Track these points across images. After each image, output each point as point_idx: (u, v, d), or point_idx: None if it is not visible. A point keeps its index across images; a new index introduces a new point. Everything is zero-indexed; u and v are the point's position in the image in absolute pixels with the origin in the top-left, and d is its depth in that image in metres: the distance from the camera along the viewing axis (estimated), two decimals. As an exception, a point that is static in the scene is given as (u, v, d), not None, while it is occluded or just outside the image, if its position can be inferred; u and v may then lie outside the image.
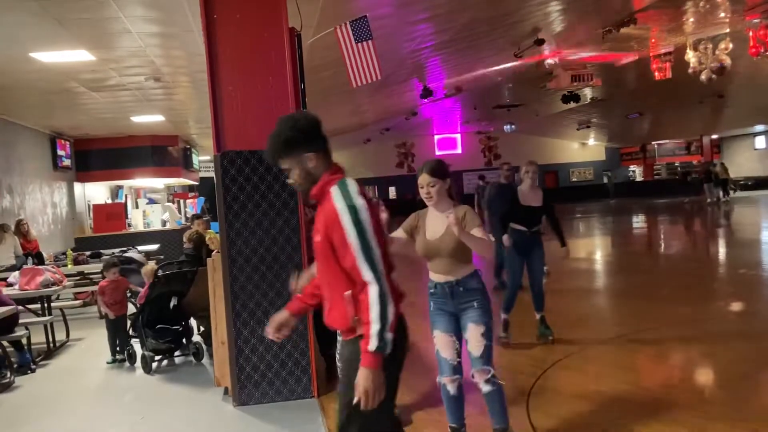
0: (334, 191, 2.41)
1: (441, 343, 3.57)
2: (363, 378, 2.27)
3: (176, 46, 7.60)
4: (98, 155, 14.84)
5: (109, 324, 6.63)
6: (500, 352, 6.10)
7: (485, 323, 3.47)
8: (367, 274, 2.31)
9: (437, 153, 36.77)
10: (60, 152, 13.54)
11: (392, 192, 36.10)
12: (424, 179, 3.48)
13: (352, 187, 2.43)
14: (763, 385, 4.78)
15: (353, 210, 2.34)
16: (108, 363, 6.50)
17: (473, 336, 3.47)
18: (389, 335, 2.29)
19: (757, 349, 5.51)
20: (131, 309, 6.87)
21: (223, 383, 5.11)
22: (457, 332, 3.54)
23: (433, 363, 5.59)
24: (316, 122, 2.58)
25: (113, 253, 10.45)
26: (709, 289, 8.64)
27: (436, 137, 36.78)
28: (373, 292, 2.30)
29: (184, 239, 7.04)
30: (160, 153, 15.59)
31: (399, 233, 3.65)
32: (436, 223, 3.52)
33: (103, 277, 6.98)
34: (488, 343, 3.49)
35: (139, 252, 10.99)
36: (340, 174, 2.51)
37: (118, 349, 6.57)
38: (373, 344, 2.27)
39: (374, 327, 2.28)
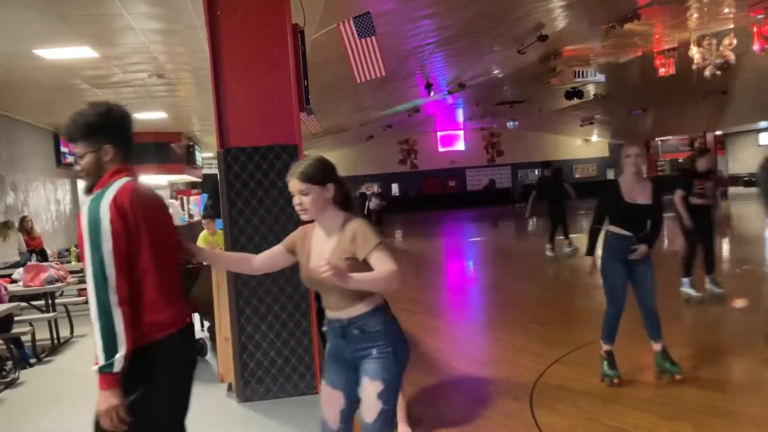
0: (90, 199, 2.28)
1: (324, 398, 2.79)
2: (97, 400, 2.24)
3: (179, 43, 7.60)
4: (102, 152, 14.81)
5: None
6: (503, 347, 6.12)
7: (384, 380, 2.59)
8: (91, 297, 2.20)
9: (440, 150, 36.78)
10: (63, 149, 13.56)
11: (395, 189, 36.10)
12: (293, 186, 2.69)
13: (106, 202, 2.23)
14: (767, 382, 4.77)
15: (93, 228, 2.19)
16: None
17: (366, 396, 2.62)
18: (120, 355, 2.18)
19: (762, 345, 5.50)
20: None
21: (227, 379, 5.13)
22: (352, 387, 2.70)
23: (435, 358, 5.61)
24: (127, 117, 2.52)
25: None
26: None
27: (439, 134, 36.74)
28: (93, 314, 2.20)
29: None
30: (163, 150, 15.60)
31: (275, 248, 2.96)
32: (322, 245, 2.70)
33: None
34: (386, 407, 2.61)
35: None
36: (120, 176, 2.38)
37: None
38: (99, 363, 2.20)
39: (98, 345, 2.20)
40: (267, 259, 2.94)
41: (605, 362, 4.77)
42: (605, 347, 4.80)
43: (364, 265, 2.50)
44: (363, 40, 6.28)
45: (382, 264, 2.49)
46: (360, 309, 2.62)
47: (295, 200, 2.70)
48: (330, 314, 2.72)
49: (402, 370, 2.70)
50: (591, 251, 4.71)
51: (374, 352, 2.62)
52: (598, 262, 4.71)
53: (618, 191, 4.56)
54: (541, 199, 11.83)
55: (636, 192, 4.53)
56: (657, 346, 4.78)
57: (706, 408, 4.12)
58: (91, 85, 9.30)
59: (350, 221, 2.64)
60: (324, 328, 4.44)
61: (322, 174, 2.66)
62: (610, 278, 4.70)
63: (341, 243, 2.59)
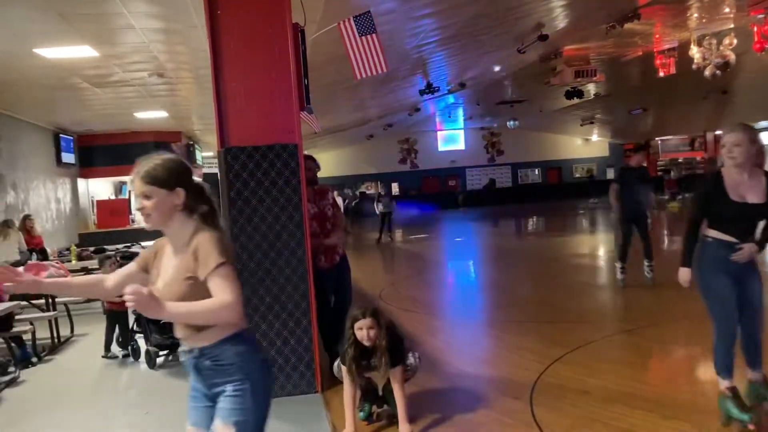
0: None
1: None
2: None
3: (180, 42, 7.60)
4: (101, 151, 14.85)
5: (110, 318, 6.65)
6: (503, 346, 6.12)
7: (237, 423, 2.23)
8: None
9: (440, 149, 36.78)
10: (63, 148, 13.56)
11: (395, 188, 36.10)
12: (136, 187, 2.32)
13: None
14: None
15: None
16: (102, 357, 6.52)
17: None
18: None
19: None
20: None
21: (227, 378, 5.12)
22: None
23: (436, 358, 5.61)
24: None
25: (117, 248, 10.47)
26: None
27: (439, 133, 36.75)
28: None
29: None
30: (163, 149, 15.52)
31: (129, 266, 2.53)
32: (169, 262, 2.36)
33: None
34: None
35: (143, 248, 11.00)
36: None
37: (119, 341, 6.59)
38: None
39: None
40: (120, 282, 2.46)
41: (729, 402, 3.77)
42: (725, 383, 3.80)
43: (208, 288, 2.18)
44: (363, 37, 6.28)
45: (218, 290, 2.13)
46: (209, 338, 2.25)
47: (137, 204, 2.34)
48: (183, 344, 2.36)
49: (264, 408, 2.32)
50: (688, 261, 3.82)
51: (229, 388, 2.26)
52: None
53: (721, 186, 3.66)
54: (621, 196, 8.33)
55: (744, 188, 3.65)
56: (752, 375, 3.93)
57: (707, 409, 4.11)
58: (92, 84, 9.30)
59: (198, 234, 2.26)
60: (336, 348, 4.31)
61: (169, 176, 2.29)
62: (714, 293, 3.75)
63: (184, 260, 2.25)
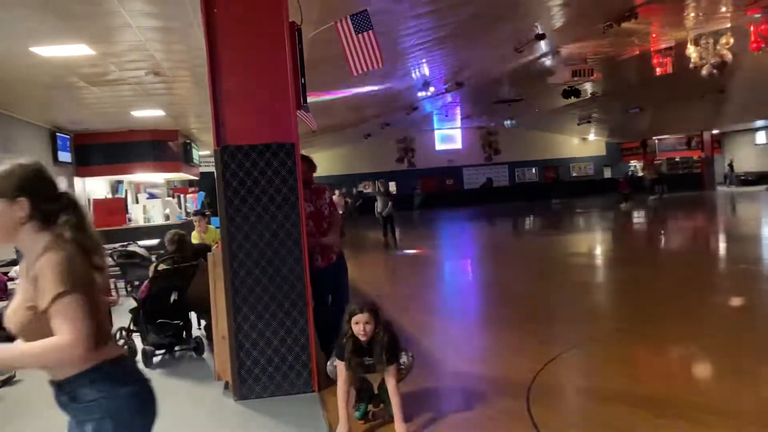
0: None
1: None
2: None
3: (176, 41, 7.58)
4: (98, 150, 14.81)
5: None
6: (500, 345, 6.13)
7: None
8: None
9: (437, 148, 36.78)
10: (60, 146, 13.53)
11: (393, 187, 36.07)
12: None
13: None
14: (761, 378, 4.79)
15: None
16: None
17: None
18: None
19: (756, 342, 5.52)
20: (131, 303, 6.87)
21: (224, 377, 5.13)
22: None
23: (432, 356, 5.62)
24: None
25: (114, 247, 10.45)
26: (707, 282, 8.65)
27: (437, 132, 36.75)
28: None
29: (166, 242, 6.92)
30: (160, 148, 15.58)
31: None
32: (21, 284, 2.03)
33: None
34: None
35: (140, 247, 10.98)
36: None
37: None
38: None
39: None
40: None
41: None
42: None
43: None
44: (360, 35, 6.28)
45: (55, 327, 1.81)
46: (62, 372, 1.94)
47: None
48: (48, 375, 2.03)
49: None
50: None
51: (89, 428, 1.96)
52: None
53: None
54: None
55: None
56: None
57: (702, 406, 4.13)
58: (88, 82, 9.28)
59: (45, 254, 1.89)
60: (332, 347, 4.28)
61: (7, 184, 1.95)
62: None
63: (27, 284, 1.93)
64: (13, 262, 8.84)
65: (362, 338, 3.90)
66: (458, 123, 34.98)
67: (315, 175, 5.75)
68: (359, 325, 3.88)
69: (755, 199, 24.66)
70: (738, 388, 4.52)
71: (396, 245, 15.58)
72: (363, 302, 4.01)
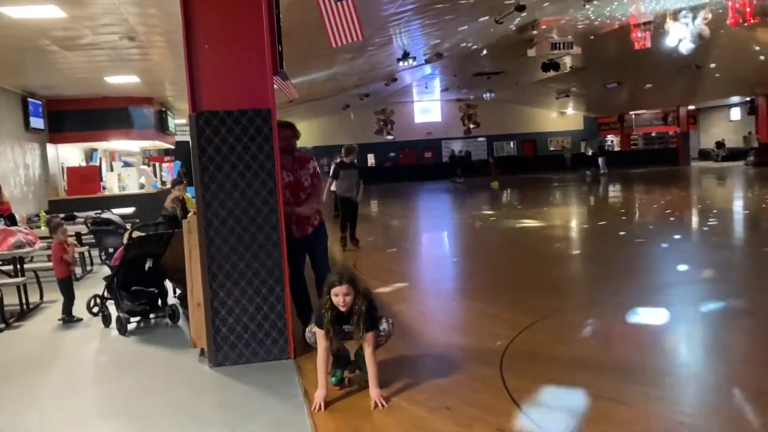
0: None
1: None
2: None
3: (151, 4, 7.42)
4: (72, 116, 14.52)
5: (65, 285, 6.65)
6: (474, 314, 6.20)
7: None
8: None
9: (416, 121, 36.68)
10: (32, 112, 13.24)
11: (371, 159, 35.96)
12: None
13: None
14: (732, 348, 4.90)
15: None
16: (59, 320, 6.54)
17: None
18: None
19: (727, 313, 5.65)
20: (106, 271, 6.81)
21: (200, 344, 5.12)
22: None
23: (408, 326, 5.66)
24: None
25: (88, 215, 10.33)
26: (676, 255, 8.79)
27: (416, 104, 36.61)
28: None
29: (168, 202, 6.92)
30: (135, 115, 15.33)
31: None
32: None
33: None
34: None
35: (114, 215, 10.86)
36: None
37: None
38: None
39: None
40: None
41: None
42: None
43: None
44: (339, 3, 6.19)
45: None
46: None
47: None
48: None
49: None
50: None
51: None
52: None
53: None
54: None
55: None
56: None
57: (670, 373, 4.22)
58: (61, 46, 9.06)
59: None
60: (307, 317, 4.30)
61: None
62: None
63: None
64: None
65: (343, 309, 3.92)
66: (437, 95, 34.87)
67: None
68: (339, 297, 3.91)
69: (722, 176, 25.00)
70: (713, 358, 4.64)
71: (357, 243, 10.74)
72: (341, 274, 4.02)
